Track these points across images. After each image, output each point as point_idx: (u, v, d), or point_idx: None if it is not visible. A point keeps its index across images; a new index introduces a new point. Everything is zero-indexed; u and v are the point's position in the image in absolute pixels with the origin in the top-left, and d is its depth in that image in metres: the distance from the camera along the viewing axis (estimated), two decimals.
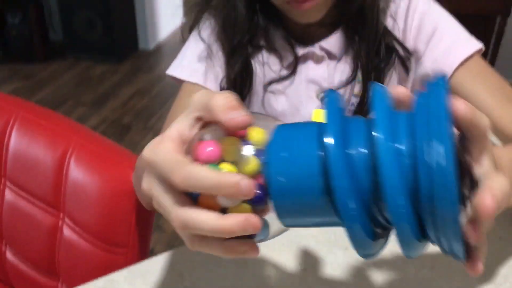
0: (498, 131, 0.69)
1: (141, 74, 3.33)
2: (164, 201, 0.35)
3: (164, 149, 0.34)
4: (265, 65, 0.80)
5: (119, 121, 2.83)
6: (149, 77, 3.29)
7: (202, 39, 0.78)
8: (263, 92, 0.79)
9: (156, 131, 2.73)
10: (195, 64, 0.78)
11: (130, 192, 0.74)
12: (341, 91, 0.79)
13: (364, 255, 0.34)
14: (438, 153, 0.29)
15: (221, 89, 0.79)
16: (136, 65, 3.46)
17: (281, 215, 0.34)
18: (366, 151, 0.32)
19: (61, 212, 0.81)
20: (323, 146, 0.32)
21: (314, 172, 0.32)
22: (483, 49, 0.75)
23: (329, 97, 0.35)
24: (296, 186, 0.32)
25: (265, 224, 0.36)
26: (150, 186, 0.36)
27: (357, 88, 0.78)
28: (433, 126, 0.30)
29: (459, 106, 0.32)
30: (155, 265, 0.59)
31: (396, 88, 0.35)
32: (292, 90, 0.79)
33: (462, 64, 0.72)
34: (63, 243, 0.81)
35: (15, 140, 0.87)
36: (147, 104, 3.01)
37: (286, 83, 0.79)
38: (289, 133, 0.34)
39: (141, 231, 0.74)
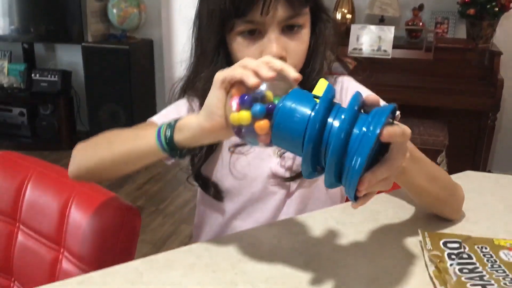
0: None
1: (158, 161, 3.55)
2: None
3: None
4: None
5: (132, 203, 3.01)
6: (165, 164, 3.51)
7: (191, 104, 0.96)
8: (229, 154, 0.96)
9: (165, 214, 2.90)
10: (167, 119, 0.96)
11: (117, 226, 0.90)
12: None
13: (305, 176, 0.61)
14: (369, 130, 0.55)
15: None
16: None
17: (274, 135, 0.61)
18: (331, 121, 0.58)
19: (62, 247, 0.98)
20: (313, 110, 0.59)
21: (302, 122, 0.58)
22: (399, 115, 0.93)
23: (326, 90, 0.60)
24: (291, 123, 0.59)
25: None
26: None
27: None
28: (375, 119, 0.56)
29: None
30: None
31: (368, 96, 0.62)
32: (253, 152, 0.96)
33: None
34: (62, 274, 0.96)
35: (30, 191, 1.05)
36: (161, 188, 3.20)
37: (247, 146, 0.96)
38: (301, 94, 0.61)
39: (124, 258, 0.89)
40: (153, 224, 2.80)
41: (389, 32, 3.05)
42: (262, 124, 0.61)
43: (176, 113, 0.96)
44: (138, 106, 3.67)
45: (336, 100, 0.99)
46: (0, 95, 3.68)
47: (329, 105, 0.59)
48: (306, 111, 0.59)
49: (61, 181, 1.03)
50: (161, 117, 0.96)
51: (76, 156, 0.86)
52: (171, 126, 0.72)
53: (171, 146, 0.72)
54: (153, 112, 4.22)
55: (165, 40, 3.76)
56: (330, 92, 0.59)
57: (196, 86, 0.99)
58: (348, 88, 0.98)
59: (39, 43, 3.87)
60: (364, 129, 0.55)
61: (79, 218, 0.96)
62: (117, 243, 0.90)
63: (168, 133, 0.72)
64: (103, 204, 0.95)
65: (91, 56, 3.56)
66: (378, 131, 0.54)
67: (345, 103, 0.96)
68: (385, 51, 3.07)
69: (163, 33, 3.74)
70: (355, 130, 0.56)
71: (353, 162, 0.54)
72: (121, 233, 0.92)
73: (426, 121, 2.97)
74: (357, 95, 0.60)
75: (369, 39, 3.08)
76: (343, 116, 0.57)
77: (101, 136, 0.86)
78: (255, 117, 0.61)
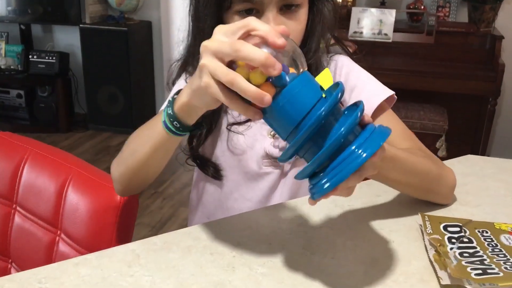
0: None
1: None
2: (214, 65, 0.57)
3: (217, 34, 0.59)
4: (228, 115, 0.98)
5: None
6: None
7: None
8: (227, 131, 0.96)
9: (165, 196, 2.90)
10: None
11: (113, 208, 0.89)
12: None
13: (282, 160, 0.61)
14: (363, 152, 0.55)
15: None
16: None
17: (268, 109, 0.57)
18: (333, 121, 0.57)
19: (59, 230, 0.97)
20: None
21: (302, 111, 0.56)
22: (395, 96, 0.93)
23: (339, 89, 0.57)
24: (290, 108, 0.56)
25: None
26: (204, 62, 0.58)
27: None
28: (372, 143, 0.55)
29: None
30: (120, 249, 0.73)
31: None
32: (249, 131, 0.96)
33: (378, 109, 0.90)
34: (58, 256, 0.95)
35: (27, 172, 1.04)
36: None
37: (244, 126, 0.96)
38: (309, 82, 0.58)
39: (122, 241, 0.89)
40: (152, 207, 2.80)
41: (390, 16, 3.02)
42: (268, 90, 0.57)
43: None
44: (136, 89, 3.65)
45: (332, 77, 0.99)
46: None
47: (337, 105, 0.57)
48: (310, 101, 0.57)
49: (58, 163, 1.02)
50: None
51: (114, 174, 0.86)
52: (170, 101, 0.70)
53: (174, 123, 0.69)
54: (152, 94, 4.20)
55: (163, 22, 3.72)
56: (340, 90, 0.57)
57: (194, 66, 0.98)
58: (343, 67, 0.97)
59: (36, 24, 3.83)
60: (360, 151, 0.55)
61: (76, 200, 0.95)
62: (114, 225, 0.89)
63: (170, 110, 0.69)
64: (100, 186, 0.94)
65: (89, 37, 3.53)
66: (370, 156, 0.54)
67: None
68: (385, 34, 3.04)
69: (161, 15, 3.70)
70: (352, 147, 0.55)
71: (336, 174, 0.55)
72: (118, 215, 0.91)
73: (426, 106, 2.96)
74: (362, 106, 0.58)
75: (370, 23, 3.05)
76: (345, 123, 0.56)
77: (126, 144, 0.84)
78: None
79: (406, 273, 0.68)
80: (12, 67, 3.69)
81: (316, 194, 0.57)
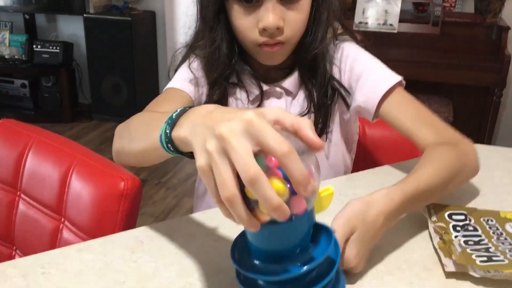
0: (417, 146, 0.85)
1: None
2: (224, 169, 0.43)
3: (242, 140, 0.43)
4: (237, 100, 0.98)
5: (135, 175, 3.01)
6: None
7: (191, 71, 0.97)
8: None
9: (169, 186, 2.90)
10: (185, 83, 0.97)
11: (117, 196, 0.89)
12: None
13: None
14: None
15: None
16: None
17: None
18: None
19: (62, 217, 0.97)
20: None
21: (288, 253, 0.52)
22: (403, 81, 0.92)
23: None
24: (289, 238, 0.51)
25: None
26: (212, 149, 0.44)
27: (308, 117, 0.96)
28: None
29: None
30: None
31: None
32: None
33: (386, 95, 0.89)
34: (62, 243, 0.95)
35: (31, 159, 1.04)
36: (163, 162, 3.19)
37: None
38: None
39: (125, 228, 0.88)
40: (156, 197, 2.80)
41: (395, 6, 2.99)
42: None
43: (186, 80, 0.97)
44: (140, 79, 3.64)
45: (335, 66, 0.97)
46: (2, 67, 3.65)
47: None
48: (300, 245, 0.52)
49: (62, 150, 1.01)
50: (179, 81, 0.97)
51: (114, 140, 0.84)
52: (170, 121, 0.57)
53: (168, 145, 0.57)
54: (155, 85, 4.20)
55: (167, 12, 3.71)
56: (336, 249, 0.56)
57: (197, 53, 0.97)
58: (349, 55, 0.96)
59: (40, 13, 3.82)
60: None
61: (79, 188, 0.95)
62: (118, 213, 0.89)
63: (168, 130, 0.56)
64: (104, 174, 0.93)
65: (93, 27, 3.52)
66: None
67: (343, 71, 0.96)
68: (391, 25, 3.02)
69: (165, 4, 3.69)
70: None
71: None
72: (122, 203, 0.90)
73: (431, 97, 2.94)
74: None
75: (375, 13, 3.03)
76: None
77: (130, 123, 0.79)
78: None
79: (409, 261, 0.68)
80: (16, 57, 3.69)
81: None
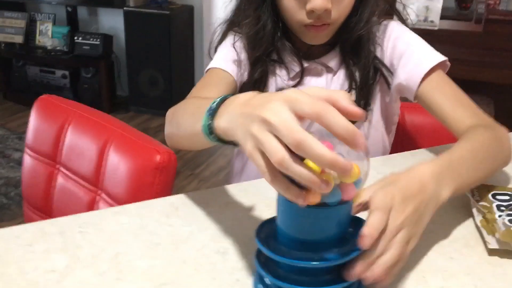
0: (452, 130, 0.84)
1: None
2: (271, 140, 0.44)
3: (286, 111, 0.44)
4: (277, 76, 0.97)
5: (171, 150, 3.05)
6: None
7: (235, 49, 0.96)
8: None
9: (201, 178, 2.92)
10: (228, 63, 0.96)
11: (153, 169, 0.90)
12: None
13: None
14: None
15: (241, 90, 0.96)
16: None
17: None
18: None
19: (99, 189, 0.98)
20: None
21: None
22: (448, 62, 0.89)
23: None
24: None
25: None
26: (256, 131, 0.45)
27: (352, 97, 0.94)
28: None
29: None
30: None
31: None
32: None
33: (428, 74, 0.87)
34: None
35: (70, 134, 1.06)
36: (196, 154, 3.22)
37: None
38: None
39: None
40: (188, 188, 2.82)
41: (437, 2, 2.93)
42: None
43: (228, 59, 0.96)
44: (177, 73, 3.68)
45: (378, 45, 0.95)
46: (44, 57, 3.75)
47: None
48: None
49: (100, 124, 1.03)
50: (222, 61, 0.96)
51: (165, 125, 0.83)
52: (211, 110, 0.57)
53: (211, 136, 0.57)
54: (191, 78, 4.22)
55: (205, 7, 3.73)
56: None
57: (236, 31, 0.97)
58: (392, 33, 0.94)
59: (82, 6, 3.91)
60: None
61: (116, 160, 0.96)
62: (154, 185, 0.89)
63: (210, 121, 0.56)
64: (140, 147, 0.94)
65: (132, 20, 3.57)
66: None
67: (386, 50, 0.94)
68: (432, 22, 2.96)
69: None
70: None
71: None
72: (158, 175, 0.91)
73: (472, 96, 2.85)
74: None
75: (416, 9, 2.97)
76: None
77: (177, 111, 0.78)
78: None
79: (450, 237, 0.66)
80: (58, 48, 3.78)
81: None
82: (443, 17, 2.91)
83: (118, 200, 0.94)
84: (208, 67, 0.97)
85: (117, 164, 0.96)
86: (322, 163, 0.42)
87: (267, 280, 0.53)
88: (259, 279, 0.54)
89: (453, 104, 0.85)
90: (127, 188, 0.94)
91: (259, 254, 0.53)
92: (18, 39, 3.84)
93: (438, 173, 0.61)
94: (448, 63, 0.90)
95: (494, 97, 2.89)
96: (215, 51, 1.01)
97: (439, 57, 0.89)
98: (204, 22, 3.77)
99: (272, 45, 0.94)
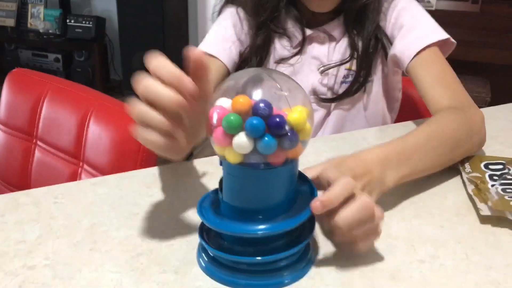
0: (428, 108, 0.82)
1: None
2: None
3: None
4: (278, 44, 0.95)
5: None
6: None
7: (238, 14, 0.96)
8: (274, 66, 0.95)
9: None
10: (215, 44, 0.94)
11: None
12: (336, 68, 0.94)
13: None
14: None
15: (244, 55, 0.95)
16: None
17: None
18: None
19: (81, 161, 0.96)
20: None
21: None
22: (452, 40, 0.87)
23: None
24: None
25: None
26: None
27: (349, 64, 0.94)
28: None
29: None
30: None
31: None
32: (298, 65, 0.95)
33: (421, 51, 0.85)
34: None
35: (47, 106, 1.03)
36: None
37: (294, 58, 0.95)
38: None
39: (145, 167, 0.87)
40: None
41: None
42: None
43: (222, 27, 0.95)
44: (170, 56, 3.58)
45: (382, 15, 0.92)
46: (36, 40, 3.70)
47: None
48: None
49: (79, 95, 1.01)
50: (207, 43, 0.95)
51: None
52: None
53: None
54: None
55: None
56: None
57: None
58: (397, 4, 0.91)
59: None
60: None
61: (98, 130, 0.94)
62: (138, 153, 0.87)
63: None
64: (123, 116, 0.92)
65: (125, 3, 3.51)
66: None
67: (389, 20, 0.90)
68: (428, 2, 2.92)
69: None
70: None
71: None
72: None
73: (468, 77, 2.83)
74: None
75: None
76: None
77: None
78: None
79: (441, 207, 0.63)
80: (50, 31, 3.73)
81: None
82: None
83: (102, 170, 0.92)
84: (200, 46, 0.95)
85: (99, 134, 0.94)
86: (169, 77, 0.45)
87: (210, 252, 0.50)
88: (203, 252, 0.52)
89: (434, 82, 0.82)
90: (110, 158, 0.92)
91: (201, 226, 0.52)
92: (10, 22, 3.78)
93: (383, 159, 0.59)
94: (453, 42, 0.87)
95: (490, 78, 2.86)
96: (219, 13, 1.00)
97: (440, 35, 0.86)
98: (199, 4, 3.72)
99: (277, 10, 0.93)
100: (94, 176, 0.92)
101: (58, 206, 0.62)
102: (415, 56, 0.85)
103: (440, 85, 0.82)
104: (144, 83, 0.45)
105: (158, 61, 0.46)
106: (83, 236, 0.56)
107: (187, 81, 0.45)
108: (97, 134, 0.92)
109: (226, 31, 0.95)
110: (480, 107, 0.79)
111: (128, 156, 0.87)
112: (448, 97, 0.80)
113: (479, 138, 0.75)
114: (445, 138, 0.68)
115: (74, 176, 0.95)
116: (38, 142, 1.03)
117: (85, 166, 0.94)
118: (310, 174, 0.54)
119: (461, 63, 2.81)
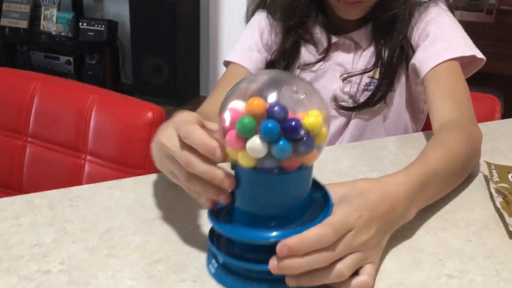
0: (431, 120, 0.80)
1: None
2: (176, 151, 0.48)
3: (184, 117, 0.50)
4: (304, 49, 0.96)
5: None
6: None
7: (268, 18, 0.97)
8: (298, 71, 0.95)
9: None
10: (246, 51, 0.96)
11: (147, 124, 0.87)
12: (359, 76, 0.93)
13: None
14: None
15: (272, 59, 0.97)
16: (194, 110, 3.68)
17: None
18: None
19: (83, 153, 0.95)
20: None
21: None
22: (481, 56, 0.86)
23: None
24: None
25: None
26: (167, 137, 0.49)
27: (373, 73, 0.93)
28: None
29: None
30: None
31: None
32: (321, 71, 0.95)
33: (439, 64, 0.83)
34: (86, 177, 0.93)
35: (39, 103, 1.01)
36: None
37: (317, 64, 0.95)
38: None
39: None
40: None
41: None
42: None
43: (254, 37, 0.97)
44: (181, 61, 3.63)
45: (410, 27, 0.89)
46: (49, 43, 3.71)
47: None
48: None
49: (72, 89, 1.01)
50: (237, 53, 0.97)
51: None
52: None
53: None
54: (196, 68, 4.18)
55: None
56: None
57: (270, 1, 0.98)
58: (428, 14, 0.90)
59: None
60: None
61: (102, 121, 0.93)
62: (147, 141, 0.86)
63: None
64: (129, 105, 0.93)
65: (138, 7, 3.52)
66: None
67: (416, 30, 0.88)
68: None
69: None
70: None
71: None
72: (152, 131, 0.89)
73: (481, 88, 2.80)
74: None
75: None
76: None
77: None
78: None
79: (467, 220, 0.61)
80: (62, 33, 3.74)
81: None
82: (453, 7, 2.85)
83: (108, 159, 0.92)
84: (227, 58, 0.97)
85: (103, 124, 0.93)
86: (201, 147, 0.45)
87: (220, 258, 0.49)
88: (213, 257, 0.50)
89: (442, 95, 0.80)
90: (117, 146, 0.91)
91: (212, 232, 0.50)
92: (23, 24, 3.80)
93: (409, 192, 0.54)
94: (482, 58, 0.86)
95: (504, 90, 2.83)
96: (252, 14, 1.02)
97: (462, 51, 0.84)
98: (210, 10, 3.72)
99: (306, 15, 0.94)
100: (100, 165, 0.91)
101: (73, 209, 0.60)
102: (432, 68, 0.83)
103: (447, 98, 0.80)
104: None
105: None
106: (99, 241, 0.54)
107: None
108: (100, 124, 0.92)
109: (253, 39, 0.97)
110: None
111: (136, 144, 0.86)
112: (453, 111, 0.77)
113: (477, 160, 0.74)
114: (456, 165, 0.65)
115: (77, 169, 0.94)
116: (30, 139, 1.02)
117: (89, 157, 0.93)
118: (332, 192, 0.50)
119: (474, 74, 2.80)
